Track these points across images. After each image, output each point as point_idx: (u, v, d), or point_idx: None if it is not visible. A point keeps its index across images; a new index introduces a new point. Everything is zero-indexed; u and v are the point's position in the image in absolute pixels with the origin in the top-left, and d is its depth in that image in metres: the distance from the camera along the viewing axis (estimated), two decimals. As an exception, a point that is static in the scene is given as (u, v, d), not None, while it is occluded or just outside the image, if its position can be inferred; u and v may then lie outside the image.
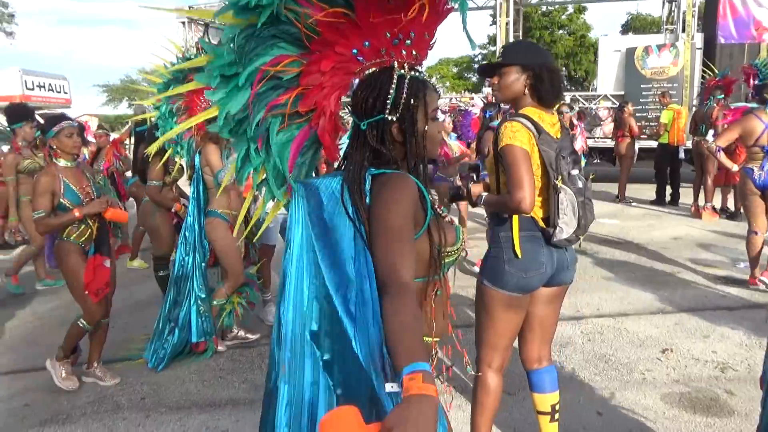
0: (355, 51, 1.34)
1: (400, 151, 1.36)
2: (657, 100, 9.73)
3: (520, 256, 2.14)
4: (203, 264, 3.83)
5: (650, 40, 11.48)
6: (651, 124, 10.48)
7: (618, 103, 9.88)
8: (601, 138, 11.02)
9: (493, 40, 14.30)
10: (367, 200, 1.29)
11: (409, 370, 0.98)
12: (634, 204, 9.00)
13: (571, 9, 31.79)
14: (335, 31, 1.32)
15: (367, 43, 1.33)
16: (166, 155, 4.05)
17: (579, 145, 7.31)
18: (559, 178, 2.11)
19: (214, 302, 3.80)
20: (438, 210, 1.42)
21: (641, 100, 10.79)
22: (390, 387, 1.07)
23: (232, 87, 1.37)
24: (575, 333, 3.96)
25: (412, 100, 1.33)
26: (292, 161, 1.43)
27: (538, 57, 2.18)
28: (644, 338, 3.83)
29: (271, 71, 1.33)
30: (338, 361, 1.23)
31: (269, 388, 1.33)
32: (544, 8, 30.84)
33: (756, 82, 6.23)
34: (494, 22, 13.33)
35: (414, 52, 1.39)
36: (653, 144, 9.34)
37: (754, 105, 5.00)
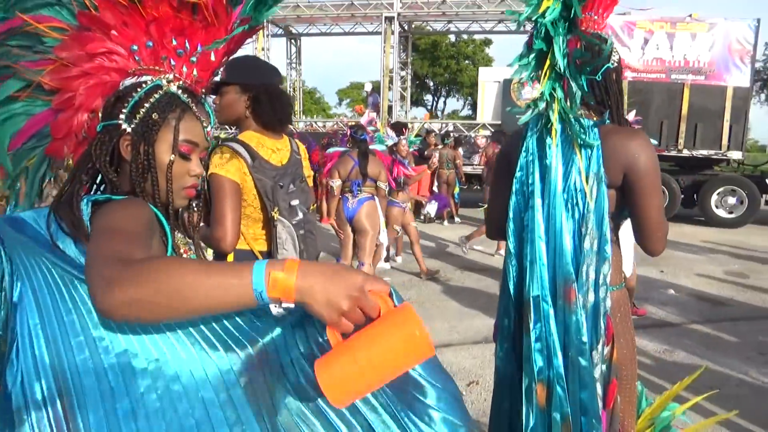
0: (134, 47, 1.11)
1: (126, 178, 1.11)
2: (529, 129, 10.10)
3: (232, 295, 1.93)
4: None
5: (527, 73, 11.99)
6: (525, 152, 10.86)
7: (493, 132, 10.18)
8: (479, 165, 11.32)
9: (404, 64, 14.51)
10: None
11: (258, 278, 0.78)
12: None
13: (477, 41, 33.17)
14: (116, 13, 1.09)
15: (150, 44, 1.12)
16: None
17: None
18: (276, 209, 1.93)
19: None
20: (183, 255, 1.17)
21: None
22: (275, 306, 0.83)
23: None
24: (390, 367, 3.81)
25: (154, 114, 1.08)
26: (20, 138, 1.15)
27: (259, 77, 2.01)
28: (457, 370, 3.74)
29: (32, 24, 1.07)
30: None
31: None
32: (453, 38, 31.95)
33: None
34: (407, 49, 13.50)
35: (195, 73, 1.17)
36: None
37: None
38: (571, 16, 1.52)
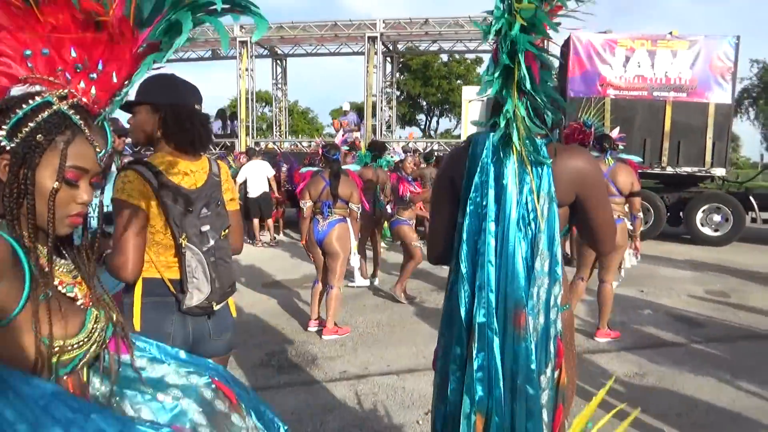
0: (28, 53, 1.01)
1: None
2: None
3: (138, 327, 1.82)
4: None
5: (511, 91, 11.98)
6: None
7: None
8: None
9: (391, 83, 14.56)
10: None
11: None
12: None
13: (468, 60, 33.41)
14: (9, 14, 1.00)
15: (45, 51, 1.02)
16: None
17: None
18: (184, 235, 1.83)
19: None
20: (57, 287, 1.05)
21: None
22: None
23: None
24: (348, 395, 3.66)
25: (39, 136, 0.98)
26: None
27: (170, 97, 1.91)
28: (417, 398, 3.60)
29: None
30: None
31: None
32: (445, 57, 32.15)
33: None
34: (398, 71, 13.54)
35: (93, 92, 1.07)
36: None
37: (596, 154, 5.07)
38: (531, 33, 1.47)
